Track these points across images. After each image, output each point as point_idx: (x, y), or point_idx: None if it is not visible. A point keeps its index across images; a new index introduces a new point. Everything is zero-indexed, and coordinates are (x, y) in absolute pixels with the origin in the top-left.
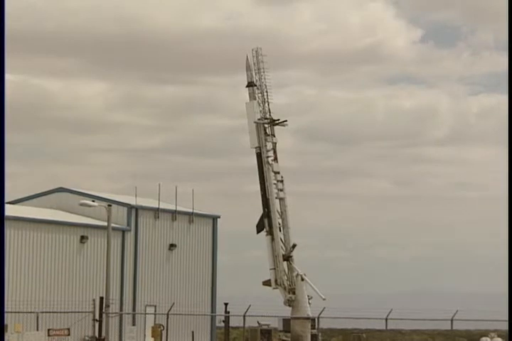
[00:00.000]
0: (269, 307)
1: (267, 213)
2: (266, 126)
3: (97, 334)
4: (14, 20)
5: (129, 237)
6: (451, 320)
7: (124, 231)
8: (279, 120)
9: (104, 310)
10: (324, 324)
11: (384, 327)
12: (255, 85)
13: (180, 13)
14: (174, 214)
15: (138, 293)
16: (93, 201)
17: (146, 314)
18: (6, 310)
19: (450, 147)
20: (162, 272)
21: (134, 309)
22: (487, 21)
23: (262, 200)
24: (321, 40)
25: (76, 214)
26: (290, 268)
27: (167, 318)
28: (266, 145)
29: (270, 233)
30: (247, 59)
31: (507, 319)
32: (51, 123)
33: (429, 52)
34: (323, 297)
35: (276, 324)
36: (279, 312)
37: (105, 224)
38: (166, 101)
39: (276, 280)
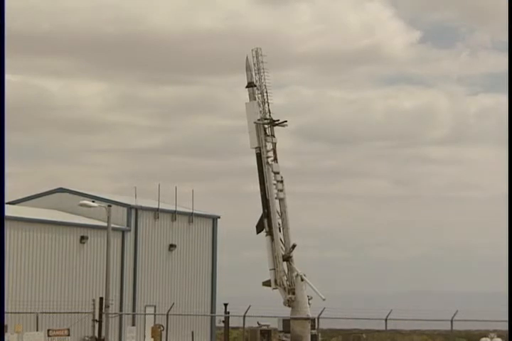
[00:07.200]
0: (268, 308)
1: (266, 213)
2: (266, 126)
3: (96, 335)
4: (14, 21)
5: (129, 237)
6: (451, 321)
7: (123, 232)
8: (278, 120)
9: (103, 311)
10: (324, 324)
11: (384, 328)
12: (255, 86)
13: (179, 14)
14: (174, 214)
15: (138, 293)
16: (93, 201)
17: (145, 314)
18: (6, 310)
19: (449, 147)
20: (162, 272)
21: (133, 309)
22: (485, 22)
23: (262, 201)
24: (320, 41)
25: (76, 215)
26: (290, 269)
27: (167, 318)
28: (266, 146)
29: (270, 233)
30: (247, 59)
31: (507, 319)
32: (51, 123)
33: (428, 52)
34: (323, 297)
35: (276, 324)
36: (279, 312)
37: (105, 224)
38: (165, 102)
39: (276, 281)
